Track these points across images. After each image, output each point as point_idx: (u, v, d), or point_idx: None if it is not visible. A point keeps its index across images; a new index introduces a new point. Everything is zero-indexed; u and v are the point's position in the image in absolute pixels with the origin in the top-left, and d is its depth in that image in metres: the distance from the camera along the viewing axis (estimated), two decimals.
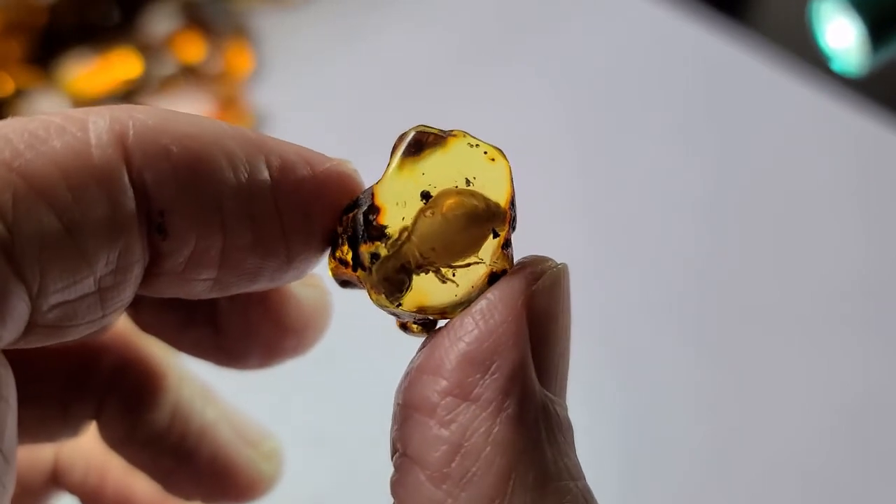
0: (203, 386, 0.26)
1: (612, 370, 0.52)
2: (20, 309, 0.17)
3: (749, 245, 0.57)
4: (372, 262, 0.19)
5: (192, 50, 0.66)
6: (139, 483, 0.26)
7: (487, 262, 0.19)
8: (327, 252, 0.20)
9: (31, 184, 0.17)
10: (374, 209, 0.19)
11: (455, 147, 0.19)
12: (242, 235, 0.19)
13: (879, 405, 0.50)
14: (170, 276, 0.19)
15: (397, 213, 0.19)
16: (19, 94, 0.62)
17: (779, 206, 0.58)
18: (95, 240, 0.17)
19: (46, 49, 0.65)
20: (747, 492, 0.48)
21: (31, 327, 0.18)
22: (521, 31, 0.69)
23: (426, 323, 0.20)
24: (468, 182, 0.19)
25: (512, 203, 0.19)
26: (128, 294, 0.19)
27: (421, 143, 0.19)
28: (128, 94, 0.63)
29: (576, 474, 0.18)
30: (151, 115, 0.18)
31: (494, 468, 0.17)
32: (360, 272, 0.19)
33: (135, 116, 0.18)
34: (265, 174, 0.19)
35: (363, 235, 0.19)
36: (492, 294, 0.19)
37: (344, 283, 0.20)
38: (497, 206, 0.19)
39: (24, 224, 0.17)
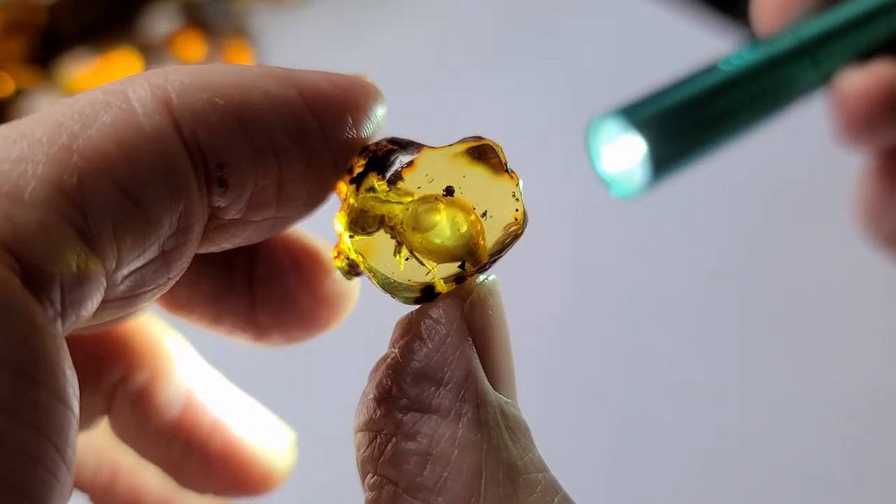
0: (216, 378, 0.26)
1: (615, 371, 0.52)
2: (98, 290, 0.17)
3: (754, 245, 0.57)
4: (367, 191, 0.20)
5: (192, 50, 0.66)
6: (150, 480, 0.26)
7: (435, 277, 0.20)
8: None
9: (92, 163, 0.17)
10: (410, 161, 0.20)
11: (501, 183, 0.20)
12: (297, 168, 0.19)
13: (887, 409, 0.50)
14: (230, 224, 0.20)
15: (419, 181, 0.20)
16: (20, 94, 0.62)
17: (784, 207, 0.59)
18: (159, 205, 0.18)
19: (47, 49, 0.65)
20: (751, 495, 0.48)
21: (102, 304, 0.18)
22: (521, 30, 0.69)
23: (353, 266, 0.21)
24: (485, 214, 0.20)
25: (494, 259, 0.20)
26: (190, 252, 0.19)
27: (484, 155, 0.20)
28: None
29: (542, 467, 0.19)
30: (186, 73, 0.19)
31: (465, 469, 0.18)
32: (351, 187, 0.20)
33: (172, 78, 0.18)
34: (304, 105, 0.19)
35: (383, 168, 0.20)
36: (433, 312, 0.19)
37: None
38: (482, 251, 0.20)
39: (95, 204, 0.17)
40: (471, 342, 0.19)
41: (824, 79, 0.37)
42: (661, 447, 0.49)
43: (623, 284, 0.56)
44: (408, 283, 0.20)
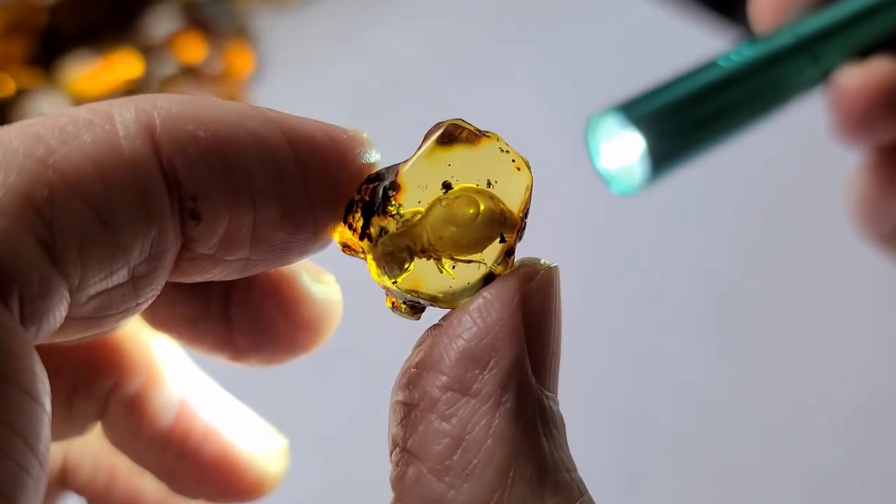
0: (209, 384, 0.26)
1: (616, 370, 0.52)
2: (60, 305, 0.17)
3: (754, 244, 0.57)
4: (379, 236, 0.20)
5: (193, 50, 0.66)
6: (147, 484, 0.26)
7: (488, 264, 0.20)
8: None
9: (66, 179, 0.17)
10: (395, 186, 0.20)
11: (485, 148, 0.20)
12: (272, 211, 0.19)
13: (889, 410, 0.50)
14: (202, 259, 0.19)
15: (416, 196, 0.20)
16: (21, 94, 0.62)
17: (783, 205, 0.58)
18: (130, 230, 0.18)
19: (48, 50, 0.65)
20: (753, 496, 0.48)
21: (67, 321, 0.18)
22: (521, 30, 0.69)
23: (415, 306, 0.20)
24: (489, 184, 0.20)
25: (525, 214, 0.20)
26: (160, 281, 0.19)
27: (453, 136, 0.20)
28: (129, 94, 0.63)
29: (570, 466, 0.19)
30: (175, 102, 0.19)
31: (495, 460, 0.18)
32: (365, 242, 0.20)
33: (159, 105, 0.18)
34: (289, 150, 0.19)
35: (379, 208, 0.20)
36: (488, 293, 0.19)
37: (346, 249, 0.21)
38: (510, 213, 0.20)
39: (63, 220, 0.17)
40: (523, 329, 0.19)
41: (823, 75, 0.37)
42: (661, 447, 0.49)
43: (623, 283, 0.55)
44: (468, 285, 0.20)
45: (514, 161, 0.20)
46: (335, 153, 0.20)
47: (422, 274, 0.20)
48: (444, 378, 0.19)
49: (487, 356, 0.19)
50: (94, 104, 0.18)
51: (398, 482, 0.19)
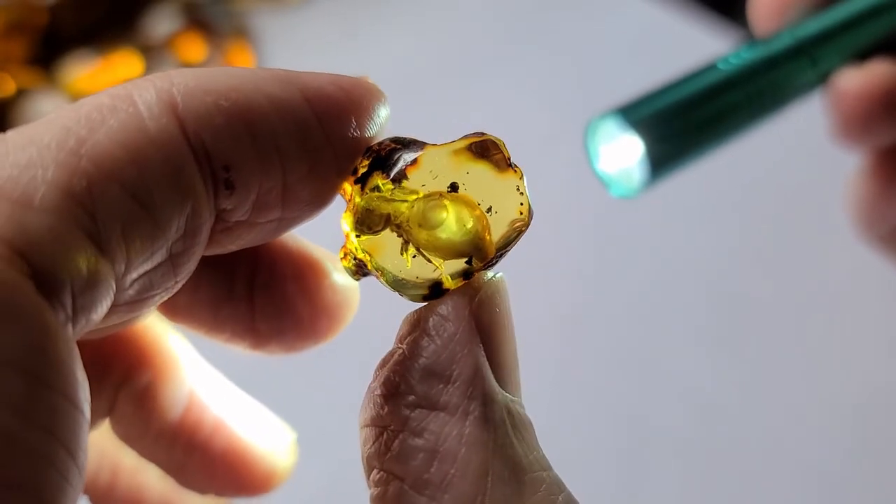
0: (218, 378, 0.26)
1: (617, 371, 0.52)
2: (108, 293, 0.17)
3: (755, 246, 0.57)
4: (372, 190, 0.20)
5: (193, 50, 0.66)
6: (151, 480, 0.26)
7: (443, 274, 0.20)
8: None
9: (100, 167, 0.17)
10: (414, 159, 0.20)
11: (506, 179, 0.20)
12: (301, 169, 0.20)
13: (887, 408, 0.50)
14: (236, 227, 0.20)
15: (423, 179, 0.20)
16: (21, 94, 0.63)
17: (784, 209, 0.59)
18: (167, 209, 0.18)
19: (48, 50, 0.65)
20: (754, 498, 0.48)
21: (112, 307, 0.18)
22: (521, 31, 0.69)
23: (361, 266, 0.21)
24: (490, 210, 0.20)
25: (501, 254, 0.20)
26: (197, 255, 0.19)
27: (486, 152, 0.20)
28: None
29: (546, 465, 0.19)
30: (191, 76, 0.19)
31: (471, 467, 0.18)
32: (356, 188, 0.20)
33: (177, 82, 0.19)
34: (308, 107, 0.19)
35: (387, 167, 0.20)
36: (441, 309, 0.20)
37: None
38: (489, 246, 0.20)
39: (104, 209, 0.17)
40: (478, 339, 0.19)
41: (822, 78, 0.37)
42: (662, 447, 0.49)
43: (624, 284, 0.56)
44: (416, 280, 0.20)
45: (521, 204, 0.20)
46: (349, 102, 0.20)
47: (384, 244, 0.20)
48: (410, 397, 0.19)
49: (449, 370, 0.19)
50: (113, 88, 0.19)
51: (379, 502, 0.19)
